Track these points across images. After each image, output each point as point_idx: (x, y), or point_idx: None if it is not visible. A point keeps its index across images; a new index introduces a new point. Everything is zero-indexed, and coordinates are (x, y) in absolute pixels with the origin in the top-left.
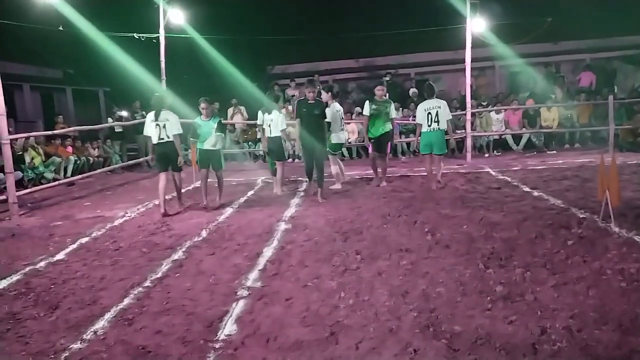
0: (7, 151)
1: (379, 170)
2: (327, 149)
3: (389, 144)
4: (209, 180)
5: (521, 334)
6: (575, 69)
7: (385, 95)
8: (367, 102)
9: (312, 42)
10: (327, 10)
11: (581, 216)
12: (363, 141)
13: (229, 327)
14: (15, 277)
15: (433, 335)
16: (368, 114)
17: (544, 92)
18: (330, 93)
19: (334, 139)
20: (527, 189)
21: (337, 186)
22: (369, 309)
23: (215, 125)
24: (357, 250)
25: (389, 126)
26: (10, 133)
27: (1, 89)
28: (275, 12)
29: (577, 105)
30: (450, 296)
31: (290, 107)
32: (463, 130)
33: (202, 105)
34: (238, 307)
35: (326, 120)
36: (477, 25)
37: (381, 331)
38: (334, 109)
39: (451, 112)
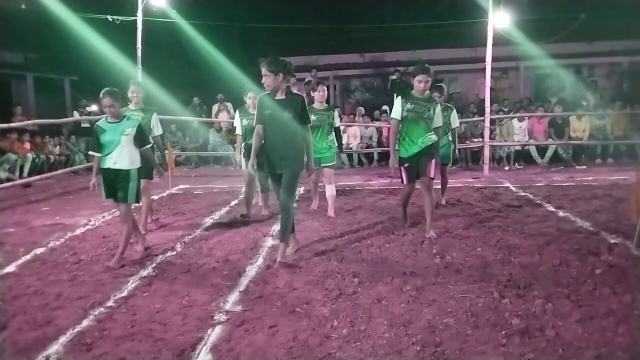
0: None
1: (428, 209)
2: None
3: (433, 162)
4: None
5: None
6: (610, 73)
7: (428, 91)
8: (398, 100)
9: (311, 32)
10: None
11: (612, 241)
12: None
13: (202, 357)
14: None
15: None
16: (399, 118)
17: (574, 98)
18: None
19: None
20: (551, 209)
21: (314, 205)
22: (366, 341)
23: (130, 131)
24: (354, 273)
25: (431, 137)
26: None
27: None
28: None
29: (611, 115)
30: (459, 328)
31: None
32: (480, 139)
33: (105, 100)
34: (214, 334)
35: (337, 125)
36: (500, 20)
37: None
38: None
39: (468, 117)
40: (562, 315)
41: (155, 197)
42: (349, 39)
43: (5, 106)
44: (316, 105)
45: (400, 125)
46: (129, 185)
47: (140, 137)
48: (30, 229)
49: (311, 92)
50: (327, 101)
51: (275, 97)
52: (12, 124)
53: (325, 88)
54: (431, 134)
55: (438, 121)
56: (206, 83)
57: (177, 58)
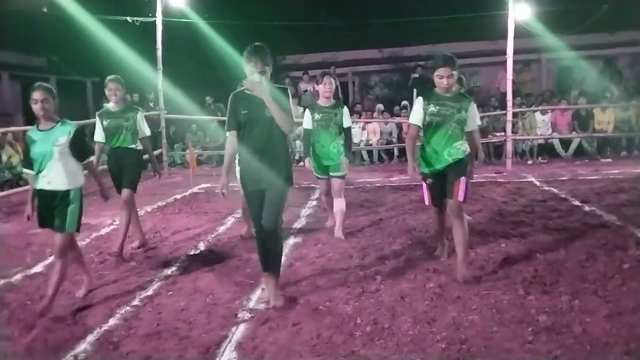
0: None
1: (459, 242)
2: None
3: (463, 182)
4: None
5: None
6: (634, 64)
7: (454, 87)
8: (419, 101)
9: (329, 29)
10: None
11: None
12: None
13: (227, 355)
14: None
15: None
16: (419, 124)
17: (598, 90)
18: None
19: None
20: (576, 203)
21: (329, 223)
22: (390, 339)
23: (63, 140)
24: (376, 270)
25: (460, 149)
26: None
27: None
28: None
29: (636, 106)
30: (484, 325)
31: (299, 107)
32: (502, 133)
33: (35, 95)
34: (238, 332)
35: (347, 126)
36: (521, 12)
37: None
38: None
39: (489, 111)
40: (589, 311)
41: (177, 197)
42: (366, 35)
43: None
44: (321, 101)
45: (421, 132)
46: (68, 209)
47: (79, 147)
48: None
49: (315, 85)
50: (337, 96)
51: (252, 94)
52: None
53: (332, 80)
54: (460, 144)
55: (473, 123)
56: (224, 82)
57: (196, 58)
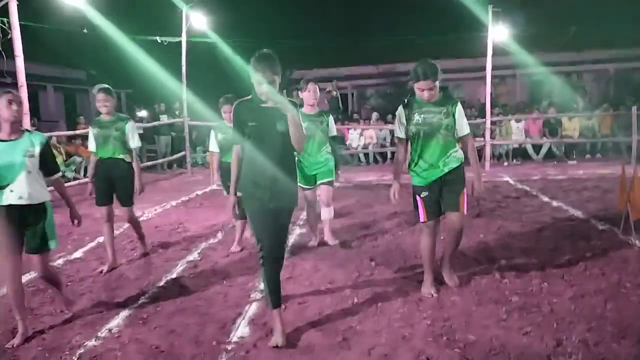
0: None
1: (451, 244)
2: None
3: (464, 192)
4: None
5: (536, 345)
6: (598, 79)
7: (438, 94)
8: (399, 111)
9: (332, 47)
10: (348, 16)
11: (601, 228)
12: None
13: (241, 329)
14: (33, 274)
15: (446, 344)
16: (404, 136)
17: (566, 101)
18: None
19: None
20: (546, 199)
21: (313, 243)
22: (382, 316)
23: (34, 152)
24: (371, 257)
25: (456, 157)
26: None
27: (26, 89)
28: (296, 17)
29: (598, 116)
30: (464, 305)
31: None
32: (482, 139)
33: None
34: (251, 310)
35: (332, 135)
36: (498, 33)
37: (394, 338)
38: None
39: (470, 120)
40: (556, 293)
41: (199, 192)
42: (364, 53)
43: (71, 116)
44: (306, 109)
45: (409, 145)
46: (46, 223)
47: (50, 160)
48: (94, 220)
49: (299, 93)
50: (338, 106)
51: (262, 105)
52: (77, 131)
53: (316, 87)
54: (454, 151)
55: (463, 127)
56: (239, 94)
57: (215, 72)
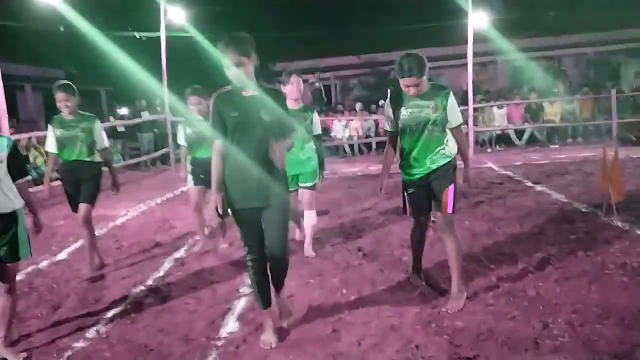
0: None
1: (453, 265)
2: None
3: (451, 190)
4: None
5: (523, 329)
6: (577, 63)
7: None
8: (386, 104)
9: (313, 38)
10: (328, 6)
11: (584, 210)
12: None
13: (231, 325)
14: (18, 277)
15: (435, 332)
16: (392, 129)
17: (547, 86)
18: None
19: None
20: (529, 184)
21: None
22: (371, 306)
23: (3, 156)
24: (359, 247)
25: (444, 154)
26: (12, 134)
27: (2, 89)
28: (277, 9)
29: (579, 100)
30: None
31: None
32: (465, 126)
33: (59, 95)
34: (240, 305)
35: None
36: (478, 20)
37: (383, 328)
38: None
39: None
40: (542, 277)
41: (184, 189)
42: (346, 43)
43: (50, 116)
44: (289, 103)
45: (398, 139)
46: (18, 231)
47: (19, 162)
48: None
49: (281, 87)
50: (321, 98)
51: (244, 94)
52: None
53: (300, 80)
54: (442, 148)
55: (454, 118)
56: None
57: (196, 67)
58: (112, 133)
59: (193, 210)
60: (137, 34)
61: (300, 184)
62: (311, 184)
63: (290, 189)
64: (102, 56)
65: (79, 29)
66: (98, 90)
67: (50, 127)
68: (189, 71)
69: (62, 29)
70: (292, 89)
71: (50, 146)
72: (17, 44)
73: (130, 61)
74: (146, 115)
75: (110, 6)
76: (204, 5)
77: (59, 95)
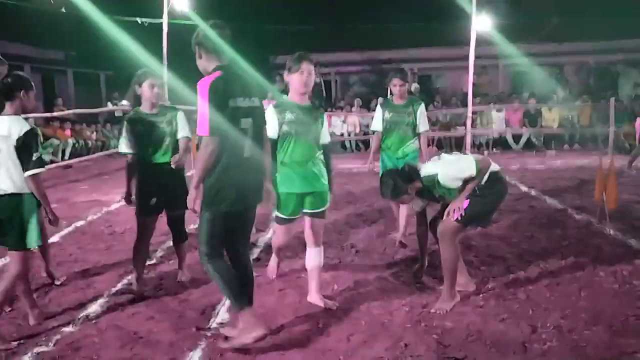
0: None
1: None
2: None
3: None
4: None
5: (512, 332)
6: (578, 71)
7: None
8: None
9: (315, 33)
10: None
11: (577, 217)
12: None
13: (221, 315)
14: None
15: (424, 331)
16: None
17: (546, 92)
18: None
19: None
20: (524, 189)
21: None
22: (362, 302)
23: (15, 135)
24: (351, 244)
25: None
26: None
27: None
28: (280, 2)
29: (578, 107)
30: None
31: None
32: (463, 127)
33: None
34: None
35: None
36: (482, 23)
37: (373, 325)
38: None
39: (452, 108)
40: (532, 281)
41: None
42: (348, 39)
43: (49, 98)
44: (295, 98)
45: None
46: (24, 217)
47: (28, 149)
48: (71, 204)
49: (285, 75)
50: (319, 94)
51: (234, 75)
52: (54, 114)
53: (312, 69)
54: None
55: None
56: None
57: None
58: (110, 118)
59: None
60: (139, 20)
61: (307, 210)
62: (323, 209)
63: (290, 217)
64: (104, 40)
65: (82, 11)
66: (97, 75)
67: (126, 125)
68: (191, 60)
69: (63, 10)
70: (300, 79)
71: (126, 147)
72: (18, 23)
73: (132, 46)
74: None
75: None
76: None
77: (149, 81)
